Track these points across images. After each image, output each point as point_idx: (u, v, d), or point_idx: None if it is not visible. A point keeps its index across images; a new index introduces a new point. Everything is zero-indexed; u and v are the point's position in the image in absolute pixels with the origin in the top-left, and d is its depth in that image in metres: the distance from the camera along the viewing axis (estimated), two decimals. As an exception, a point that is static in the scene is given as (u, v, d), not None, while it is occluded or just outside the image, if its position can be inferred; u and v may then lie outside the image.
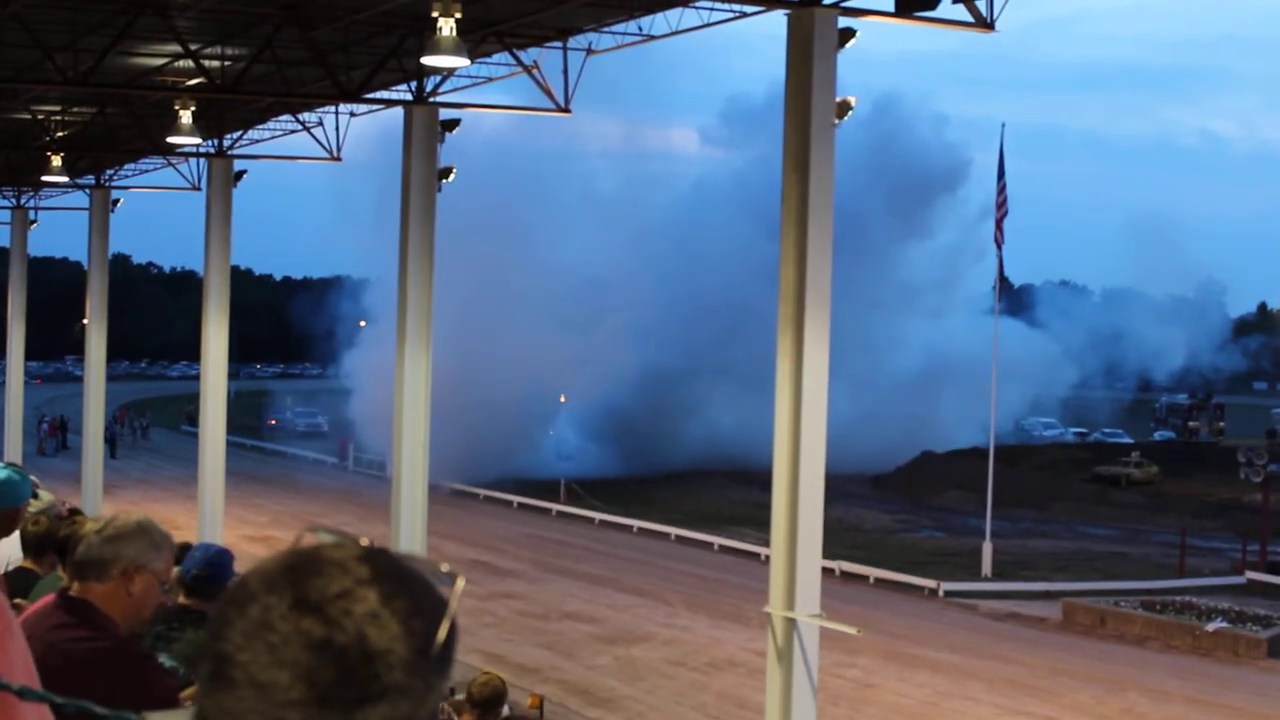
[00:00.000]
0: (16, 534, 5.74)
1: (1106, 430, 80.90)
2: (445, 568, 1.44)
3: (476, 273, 58.25)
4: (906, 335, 71.17)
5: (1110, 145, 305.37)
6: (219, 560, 6.23)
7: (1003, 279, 42.90)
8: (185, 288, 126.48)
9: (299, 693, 1.32)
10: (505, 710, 10.74)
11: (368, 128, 37.72)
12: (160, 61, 26.20)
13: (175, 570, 6.28)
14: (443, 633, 1.38)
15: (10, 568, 5.86)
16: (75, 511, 7.07)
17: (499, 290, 62.21)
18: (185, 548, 6.80)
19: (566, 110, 24.38)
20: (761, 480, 37.66)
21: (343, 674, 1.32)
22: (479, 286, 58.97)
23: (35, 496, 6.00)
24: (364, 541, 1.43)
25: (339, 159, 31.83)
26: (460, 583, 1.44)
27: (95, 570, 4.33)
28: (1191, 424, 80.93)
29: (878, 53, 69.61)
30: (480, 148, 48.96)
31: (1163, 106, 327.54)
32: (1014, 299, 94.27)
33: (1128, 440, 74.63)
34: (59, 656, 4.17)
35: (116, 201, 39.88)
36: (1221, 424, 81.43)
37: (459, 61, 20.26)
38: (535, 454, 62.23)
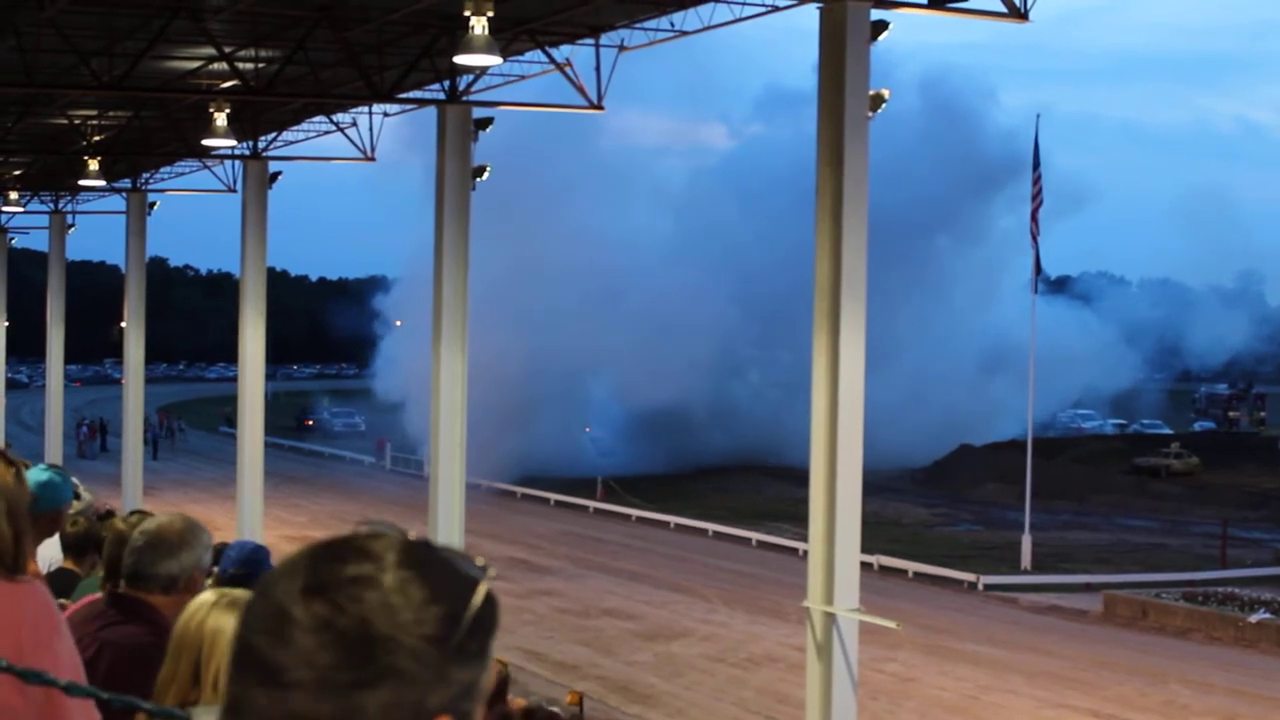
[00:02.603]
0: (56, 535, 5.76)
1: (1146, 421, 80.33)
2: (481, 561, 1.44)
3: (509, 263, 58.26)
4: (958, 326, 70.56)
5: (1147, 134, 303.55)
6: (255, 557, 6.24)
7: (1039, 270, 42.61)
8: (222, 290, 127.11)
9: (299, 675, 1.33)
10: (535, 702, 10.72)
11: (403, 127, 37.88)
12: (194, 64, 26.33)
13: (214, 570, 6.31)
14: (465, 624, 1.38)
15: (51, 568, 5.89)
16: (112, 513, 7.09)
17: (532, 280, 62.12)
18: (222, 547, 6.83)
19: (599, 107, 24.39)
20: (798, 475, 37.60)
21: (340, 657, 1.33)
22: (510, 278, 58.93)
23: (77, 498, 6.03)
24: (411, 534, 1.44)
25: (373, 159, 31.94)
26: (490, 574, 1.43)
27: (160, 584, 4.35)
28: (1232, 414, 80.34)
29: (908, 45, 69.44)
30: (514, 144, 48.89)
31: (1199, 95, 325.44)
32: (1065, 290, 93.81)
33: (1167, 431, 74.10)
34: (116, 653, 4.21)
35: (153, 205, 40.10)
36: (1262, 414, 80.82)
37: (491, 60, 20.30)
38: (572, 451, 62.28)
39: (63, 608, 4.31)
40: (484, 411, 36.85)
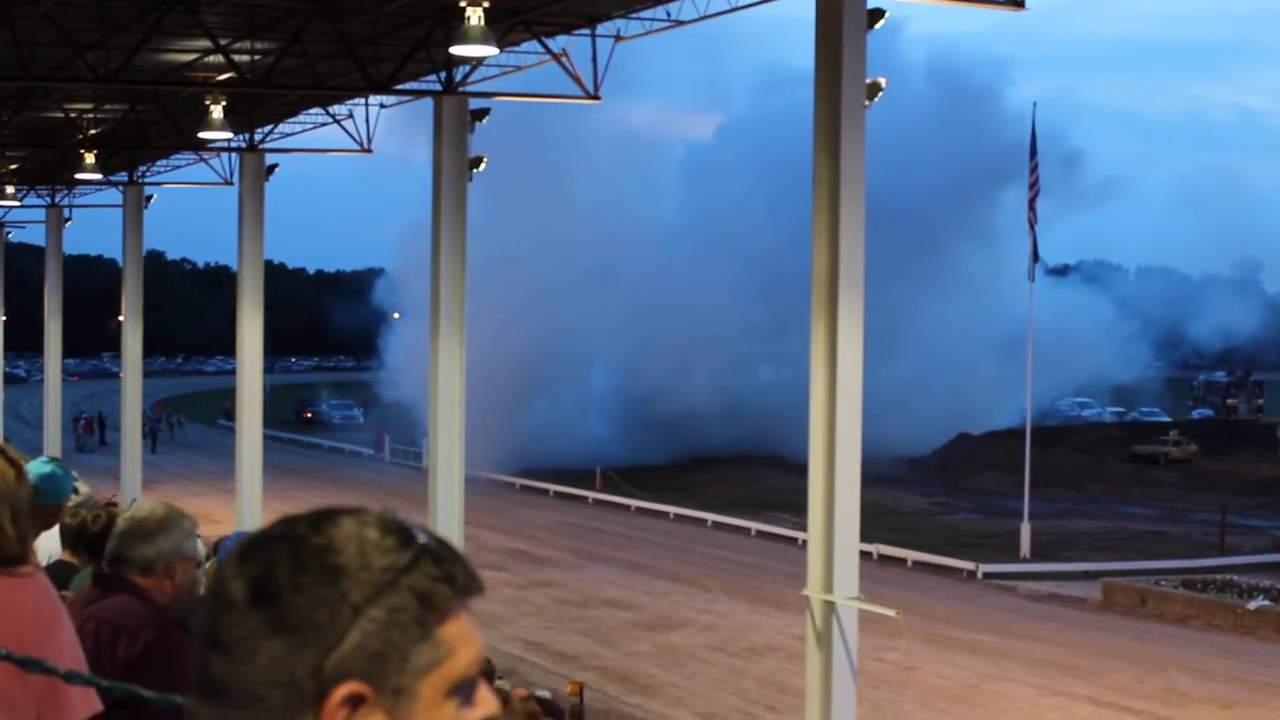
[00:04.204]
0: (56, 527, 5.78)
1: (1144, 409, 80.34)
2: (425, 538, 1.43)
3: (506, 247, 58.05)
4: (969, 314, 70.15)
5: (1143, 122, 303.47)
6: None
7: (1036, 258, 42.59)
8: (219, 283, 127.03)
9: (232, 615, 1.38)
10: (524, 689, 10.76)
11: (401, 118, 37.86)
12: (190, 57, 26.30)
13: (211, 561, 6.31)
14: (376, 584, 1.37)
15: (51, 561, 5.89)
16: (110, 504, 7.11)
17: (531, 264, 61.92)
18: (221, 540, 6.83)
19: (596, 97, 24.36)
20: (797, 465, 37.58)
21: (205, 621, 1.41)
22: (509, 261, 58.74)
23: (75, 491, 6.04)
24: (381, 510, 1.44)
25: (369, 151, 31.91)
26: (428, 545, 1.43)
27: (138, 567, 4.41)
28: (1230, 401, 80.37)
29: (913, 34, 69.20)
30: (517, 126, 48.67)
31: (1195, 83, 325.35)
32: (1063, 278, 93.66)
33: (1166, 419, 74.10)
34: (106, 626, 4.26)
35: (150, 198, 40.06)
36: (1260, 401, 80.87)
37: (487, 51, 20.27)
38: (571, 442, 62.18)
39: (63, 599, 4.32)
40: (483, 403, 36.79)
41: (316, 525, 1.40)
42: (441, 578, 1.40)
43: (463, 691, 1.40)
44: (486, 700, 1.43)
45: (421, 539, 1.41)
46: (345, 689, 1.34)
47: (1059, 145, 69.86)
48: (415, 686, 1.36)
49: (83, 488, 6.49)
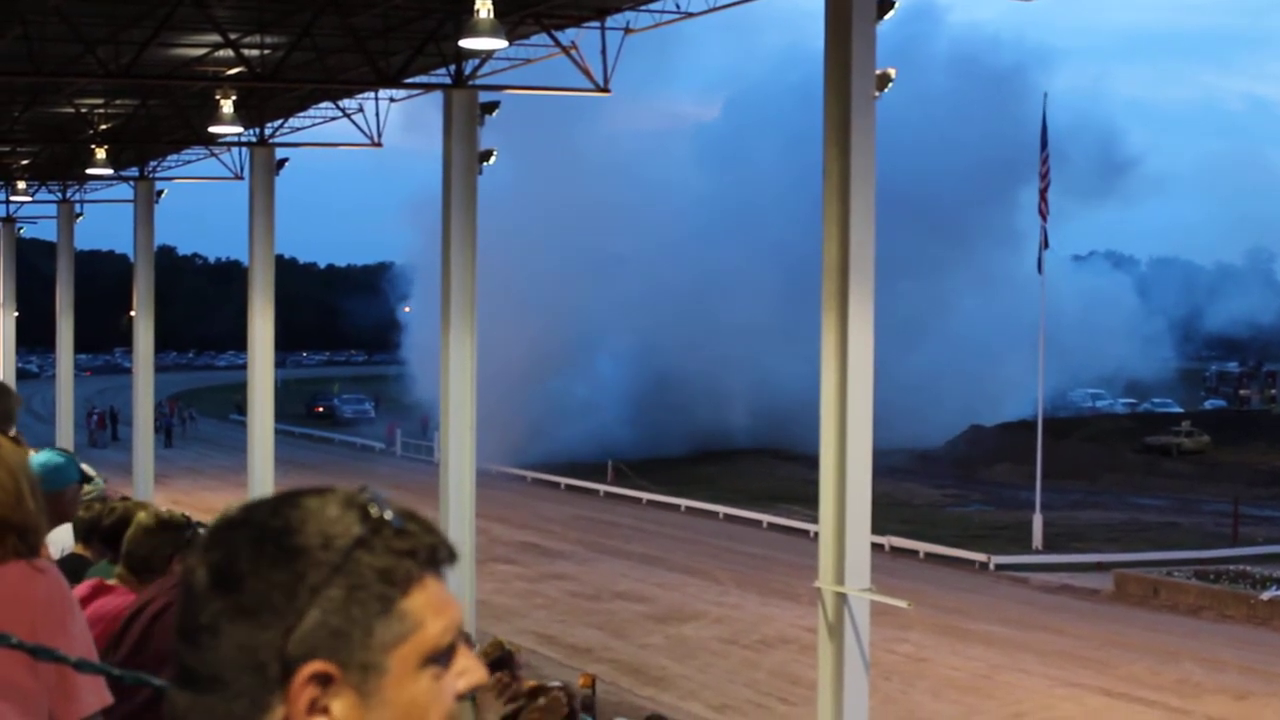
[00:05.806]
0: (68, 522, 5.79)
1: (1156, 400, 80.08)
2: (391, 514, 1.42)
3: (524, 231, 57.98)
4: (997, 306, 69.79)
5: (1154, 112, 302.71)
6: None
7: (1045, 244, 42.52)
8: (230, 278, 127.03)
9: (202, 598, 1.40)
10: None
11: (411, 112, 37.83)
12: (200, 51, 26.31)
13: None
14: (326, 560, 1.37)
15: (64, 554, 5.90)
16: (124, 499, 7.12)
17: (547, 251, 61.83)
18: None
19: (606, 90, 24.33)
20: (809, 457, 37.60)
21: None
22: (525, 249, 58.69)
23: (88, 481, 6.04)
24: (352, 490, 1.44)
25: (379, 144, 31.91)
26: (389, 520, 1.42)
27: (148, 566, 4.45)
28: (1243, 392, 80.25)
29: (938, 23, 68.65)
30: (535, 112, 48.58)
31: (1206, 72, 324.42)
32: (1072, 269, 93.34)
33: (1178, 410, 73.88)
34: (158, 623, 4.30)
35: (161, 193, 40.11)
36: (1273, 392, 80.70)
37: (497, 43, 20.25)
38: (582, 434, 62.13)
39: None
40: (494, 395, 36.79)
41: (276, 508, 1.40)
42: (403, 551, 1.39)
43: (440, 660, 1.39)
44: (470, 669, 1.42)
45: (382, 513, 1.41)
46: (310, 668, 1.34)
47: (1080, 136, 69.48)
48: (383, 661, 1.36)
49: (97, 480, 6.50)
